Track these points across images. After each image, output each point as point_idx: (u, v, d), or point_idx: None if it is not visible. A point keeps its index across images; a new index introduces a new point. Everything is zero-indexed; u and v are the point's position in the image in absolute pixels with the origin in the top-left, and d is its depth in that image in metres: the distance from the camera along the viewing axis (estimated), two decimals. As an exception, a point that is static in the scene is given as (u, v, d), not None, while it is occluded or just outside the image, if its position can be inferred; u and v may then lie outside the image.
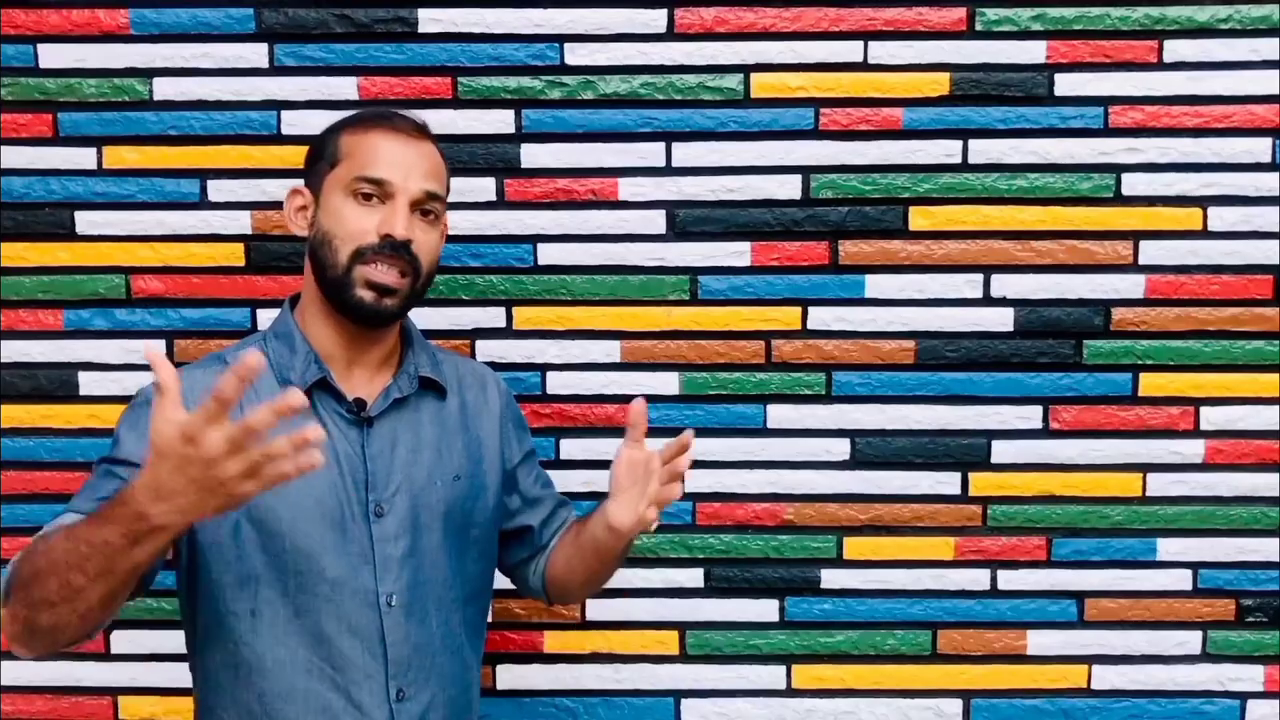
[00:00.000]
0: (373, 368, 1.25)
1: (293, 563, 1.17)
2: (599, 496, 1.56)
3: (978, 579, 1.60)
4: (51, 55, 1.52)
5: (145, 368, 1.54)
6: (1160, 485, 1.58)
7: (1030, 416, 1.58)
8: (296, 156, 1.39)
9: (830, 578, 1.60)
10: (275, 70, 1.53)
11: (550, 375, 1.57)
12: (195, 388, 1.19)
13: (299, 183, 1.25)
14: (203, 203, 1.54)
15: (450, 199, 1.53)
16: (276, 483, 0.92)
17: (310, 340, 1.23)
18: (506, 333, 1.57)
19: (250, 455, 0.90)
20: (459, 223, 1.54)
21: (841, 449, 1.59)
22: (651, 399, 1.57)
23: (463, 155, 1.54)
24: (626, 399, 1.57)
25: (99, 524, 0.97)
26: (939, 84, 1.53)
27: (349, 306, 1.19)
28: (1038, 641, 1.60)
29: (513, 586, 1.41)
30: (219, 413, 0.89)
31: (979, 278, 1.56)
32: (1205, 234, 1.55)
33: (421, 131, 1.24)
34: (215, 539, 1.17)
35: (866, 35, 1.53)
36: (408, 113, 1.25)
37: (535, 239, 1.56)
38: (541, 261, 1.56)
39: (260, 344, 1.25)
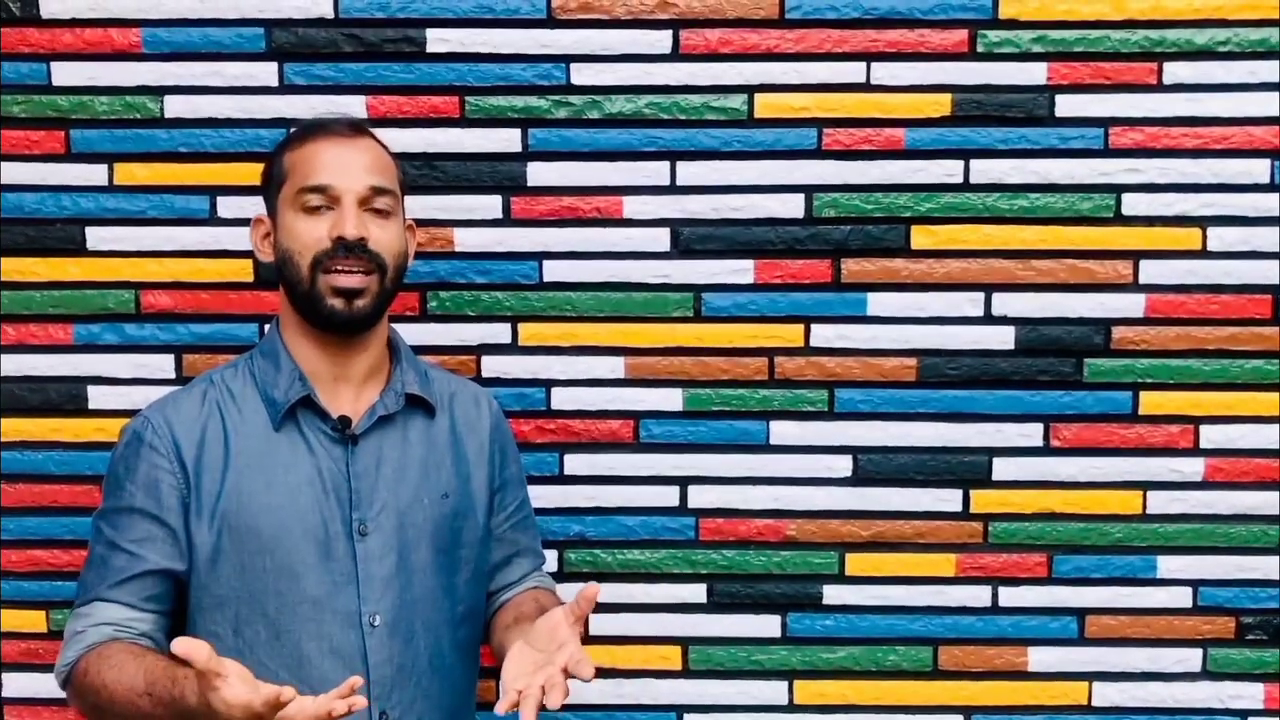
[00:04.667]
0: (358, 383, 1.24)
1: (274, 582, 1.17)
2: (603, 512, 1.59)
3: (979, 596, 1.60)
4: (64, 73, 1.53)
5: (154, 382, 1.56)
6: (1160, 503, 1.59)
7: (1031, 434, 1.59)
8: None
9: (832, 594, 1.61)
10: (285, 89, 1.54)
11: (555, 391, 1.59)
12: (182, 416, 1.21)
13: (263, 209, 1.26)
14: (212, 219, 1.56)
15: (457, 216, 1.55)
16: None
17: (295, 357, 1.23)
18: (512, 349, 1.58)
19: None
20: (466, 239, 1.56)
21: (843, 465, 1.60)
22: (655, 415, 1.58)
23: (469, 174, 1.55)
24: (630, 415, 1.58)
25: (150, 705, 1.06)
26: (941, 105, 1.55)
27: (323, 319, 1.19)
28: (1038, 658, 1.61)
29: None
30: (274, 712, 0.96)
31: (980, 296, 1.57)
32: (1205, 254, 1.56)
33: (358, 130, 1.24)
34: (196, 559, 1.18)
35: (869, 56, 1.54)
36: (344, 116, 1.26)
37: (541, 256, 1.57)
38: (547, 278, 1.57)
39: (247, 362, 1.26)
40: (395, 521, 1.22)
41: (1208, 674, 1.60)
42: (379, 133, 1.31)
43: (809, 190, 1.56)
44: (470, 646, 1.32)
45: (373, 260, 1.18)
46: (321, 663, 1.17)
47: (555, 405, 1.59)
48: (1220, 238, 1.56)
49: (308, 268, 1.18)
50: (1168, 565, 1.59)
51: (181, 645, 0.93)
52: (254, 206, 1.54)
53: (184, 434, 1.19)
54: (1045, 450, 1.59)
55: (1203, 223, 1.56)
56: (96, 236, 1.56)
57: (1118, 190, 1.55)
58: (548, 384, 1.59)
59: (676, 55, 1.54)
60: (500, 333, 1.58)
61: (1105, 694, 1.61)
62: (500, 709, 1.05)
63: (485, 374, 1.58)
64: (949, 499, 1.60)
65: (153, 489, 1.18)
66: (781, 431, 1.59)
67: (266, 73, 1.54)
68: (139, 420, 1.22)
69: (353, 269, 1.17)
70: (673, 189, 1.56)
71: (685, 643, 1.61)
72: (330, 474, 1.20)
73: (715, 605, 1.61)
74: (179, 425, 1.20)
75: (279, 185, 1.22)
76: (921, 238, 1.57)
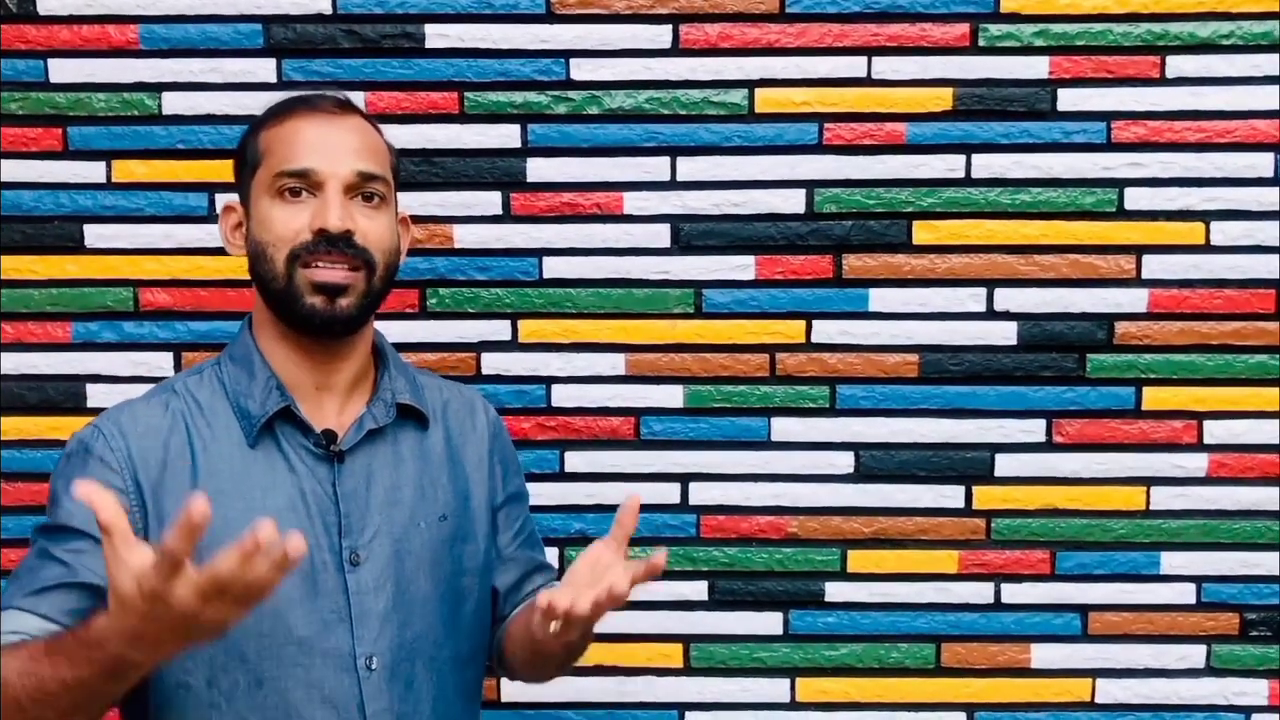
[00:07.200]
0: (343, 394, 1.11)
1: (254, 623, 0.95)
2: (604, 509, 1.58)
3: (981, 592, 1.60)
4: (62, 70, 1.53)
5: (152, 379, 1.55)
6: (1163, 499, 1.58)
7: (1034, 430, 1.58)
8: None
9: (834, 591, 1.60)
10: (283, 85, 1.54)
11: (555, 388, 1.58)
12: (140, 429, 1.05)
13: (233, 197, 1.13)
14: (210, 216, 1.55)
15: (457, 213, 1.55)
16: (264, 598, 0.81)
17: (271, 364, 1.09)
18: (512, 346, 1.57)
19: (227, 594, 0.78)
20: (465, 236, 1.55)
21: (845, 462, 1.59)
22: (656, 412, 1.58)
23: (469, 170, 1.55)
24: (631, 412, 1.58)
25: (68, 663, 0.85)
26: (942, 99, 1.54)
27: (302, 319, 1.04)
28: (1041, 655, 1.60)
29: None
30: (176, 565, 0.76)
31: (982, 291, 1.57)
32: (1208, 248, 1.55)
33: (345, 108, 1.10)
34: None
35: (870, 51, 1.53)
36: (330, 92, 1.13)
37: (541, 252, 1.56)
38: (547, 275, 1.57)
39: (214, 369, 1.11)
40: (390, 549, 1.08)
41: (1211, 670, 1.60)
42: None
43: (810, 185, 1.55)
44: (474, 692, 1.19)
45: (359, 255, 1.04)
46: (312, 714, 1.03)
47: (555, 402, 1.58)
48: (1223, 232, 1.55)
49: (284, 262, 1.03)
50: (1171, 561, 1.59)
51: (83, 488, 0.77)
52: (252, 203, 1.54)
53: (141, 451, 1.04)
54: (1048, 446, 1.58)
55: (1206, 217, 1.55)
56: (95, 234, 1.55)
57: (1120, 184, 1.55)
58: (548, 381, 1.58)
59: (676, 50, 1.54)
60: (500, 330, 1.57)
61: (1109, 691, 1.60)
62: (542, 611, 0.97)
63: (485, 371, 1.57)
64: (951, 495, 1.59)
65: None
66: (783, 428, 1.59)
67: (265, 69, 1.54)
68: (88, 430, 1.05)
69: (336, 264, 1.03)
70: (673, 185, 1.55)
71: (687, 640, 1.61)
72: (315, 496, 1.06)
73: (717, 602, 1.61)
74: (136, 440, 1.04)
75: (253, 168, 1.07)
76: (923, 233, 1.56)
